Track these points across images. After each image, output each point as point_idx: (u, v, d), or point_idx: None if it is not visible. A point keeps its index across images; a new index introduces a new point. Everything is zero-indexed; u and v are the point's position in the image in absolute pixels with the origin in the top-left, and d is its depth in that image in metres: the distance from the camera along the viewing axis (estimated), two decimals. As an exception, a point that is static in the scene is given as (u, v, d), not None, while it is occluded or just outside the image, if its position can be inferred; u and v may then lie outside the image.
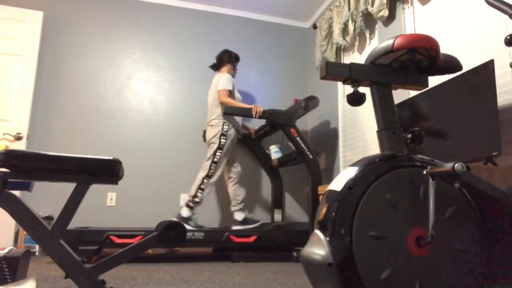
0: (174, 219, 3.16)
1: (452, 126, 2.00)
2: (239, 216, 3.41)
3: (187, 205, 3.22)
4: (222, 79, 3.43)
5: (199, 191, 3.23)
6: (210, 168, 3.28)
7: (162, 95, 4.06)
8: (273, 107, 4.25)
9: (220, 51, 3.70)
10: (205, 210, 3.93)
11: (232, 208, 3.47)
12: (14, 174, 1.33)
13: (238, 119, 3.57)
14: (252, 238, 3.04)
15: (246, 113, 3.29)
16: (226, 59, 3.60)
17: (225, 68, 3.60)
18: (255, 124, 4.22)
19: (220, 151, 3.33)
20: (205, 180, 3.26)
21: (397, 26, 3.04)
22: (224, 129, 3.37)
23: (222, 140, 3.34)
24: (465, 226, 1.21)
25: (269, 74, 4.46)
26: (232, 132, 3.41)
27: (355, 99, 1.39)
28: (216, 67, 3.67)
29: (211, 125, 3.45)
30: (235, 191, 3.48)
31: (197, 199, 3.22)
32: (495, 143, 1.72)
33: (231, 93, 3.41)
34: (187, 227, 3.13)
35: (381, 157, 1.21)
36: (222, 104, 3.37)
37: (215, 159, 3.30)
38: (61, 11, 3.93)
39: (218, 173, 3.32)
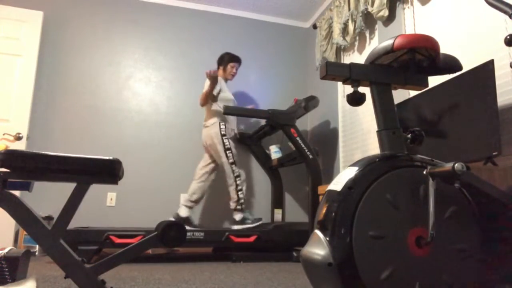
0: (234, 226, 3.28)
1: (452, 126, 2.00)
2: (183, 212, 3.33)
3: (237, 210, 3.31)
4: (206, 83, 3.45)
5: (239, 192, 3.30)
6: (233, 171, 3.32)
7: (162, 95, 4.06)
8: (273, 107, 4.25)
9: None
10: (205, 210, 3.93)
11: (184, 203, 3.38)
12: (14, 174, 1.33)
13: (233, 118, 3.57)
14: (252, 238, 3.04)
15: (244, 113, 3.29)
16: (219, 62, 3.65)
17: (219, 71, 3.64)
18: (255, 124, 4.22)
19: (230, 151, 3.35)
20: (237, 181, 3.31)
21: (397, 26, 3.04)
22: (222, 129, 3.38)
23: (225, 141, 3.35)
24: (465, 226, 1.21)
25: (269, 74, 4.45)
26: (230, 131, 3.43)
27: (355, 99, 1.39)
28: None
29: (207, 126, 3.46)
30: (196, 189, 3.44)
31: (242, 201, 3.31)
32: (495, 143, 1.72)
33: (212, 96, 3.40)
34: (246, 226, 3.25)
35: (381, 157, 1.21)
36: (202, 106, 3.44)
37: (231, 161, 3.33)
38: (61, 11, 3.93)
39: (241, 171, 3.37)
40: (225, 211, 3.97)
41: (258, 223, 3.32)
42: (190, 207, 3.39)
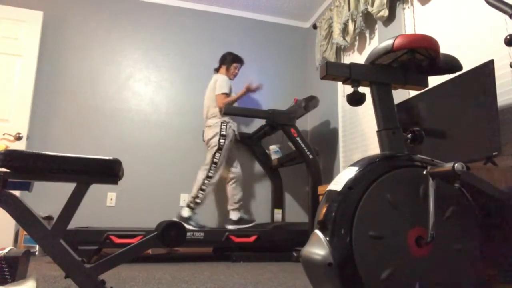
0: (174, 219, 3.15)
1: (452, 126, 2.00)
2: (234, 215, 3.41)
3: (188, 206, 3.22)
4: (218, 82, 3.45)
5: (200, 191, 3.24)
6: (210, 169, 3.29)
7: (162, 95, 4.06)
8: (273, 107, 4.25)
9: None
10: (205, 210, 3.93)
11: (229, 207, 3.48)
12: (14, 174, 1.33)
13: (235, 119, 3.58)
14: (252, 238, 3.04)
15: (244, 113, 3.29)
16: (224, 61, 3.63)
17: (221, 70, 3.63)
18: (255, 124, 4.22)
19: (220, 152, 3.33)
20: (205, 181, 3.26)
21: (397, 26, 3.04)
22: (222, 130, 3.37)
23: (221, 141, 3.35)
24: (465, 226, 1.21)
25: (269, 74, 4.45)
26: (230, 132, 3.41)
27: (355, 99, 1.39)
28: (216, 69, 3.70)
29: (209, 126, 3.45)
30: (233, 191, 3.49)
31: (198, 200, 3.23)
32: (495, 143, 1.72)
33: (227, 96, 3.42)
34: (188, 227, 3.12)
35: (381, 157, 1.21)
36: (221, 108, 3.38)
37: (215, 160, 3.31)
38: (61, 11, 3.93)
39: (218, 174, 3.32)
40: (226, 211, 3.97)
41: (200, 227, 3.18)
42: (238, 209, 3.45)
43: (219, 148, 3.33)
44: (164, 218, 3.80)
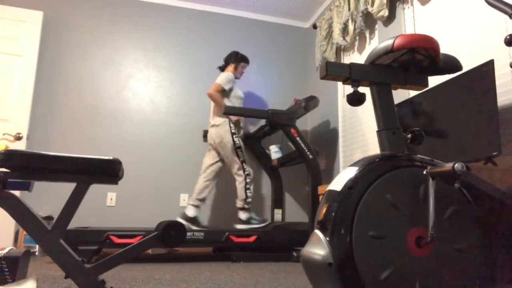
0: (238, 226, 3.28)
1: (452, 126, 2.00)
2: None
3: (244, 208, 3.30)
4: (221, 75, 3.47)
5: (248, 191, 3.31)
6: (244, 169, 3.33)
7: (162, 95, 4.06)
8: (273, 107, 4.25)
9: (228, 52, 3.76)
10: (206, 210, 3.93)
11: (192, 202, 3.38)
12: (14, 174, 1.33)
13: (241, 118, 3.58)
14: (252, 238, 3.04)
15: (244, 113, 3.29)
16: (231, 60, 3.63)
17: (229, 68, 3.63)
18: (256, 123, 4.22)
19: (240, 150, 3.35)
20: (247, 180, 3.32)
21: (397, 26, 3.04)
22: (232, 128, 3.37)
23: (235, 139, 3.35)
24: (465, 226, 1.21)
25: (269, 74, 4.45)
26: (239, 129, 3.44)
27: (355, 99, 1.39)
28: (222, 68, 3.70)
29: (216, 125, 3.42)
30: (203, 188, 3.45)
31: (249, 199, 3.31)
32: (495, 143, 1.72)
33: (224, 91, 3.41)
34: (252, 226, 3.24)
35: (381, 157, 1.21)
36: (209, 95, 3.38)
37: (241, 159, 3.35)
38: (61, 11, 3.93)
39: (251, 170, 3.39)
40: (229, 211, 3.97)
41: (263, 224, 3.29)
42: (197, 206, 3.37)
43: (238, 147, 3.34)
44: (164, 218, 3.80)
